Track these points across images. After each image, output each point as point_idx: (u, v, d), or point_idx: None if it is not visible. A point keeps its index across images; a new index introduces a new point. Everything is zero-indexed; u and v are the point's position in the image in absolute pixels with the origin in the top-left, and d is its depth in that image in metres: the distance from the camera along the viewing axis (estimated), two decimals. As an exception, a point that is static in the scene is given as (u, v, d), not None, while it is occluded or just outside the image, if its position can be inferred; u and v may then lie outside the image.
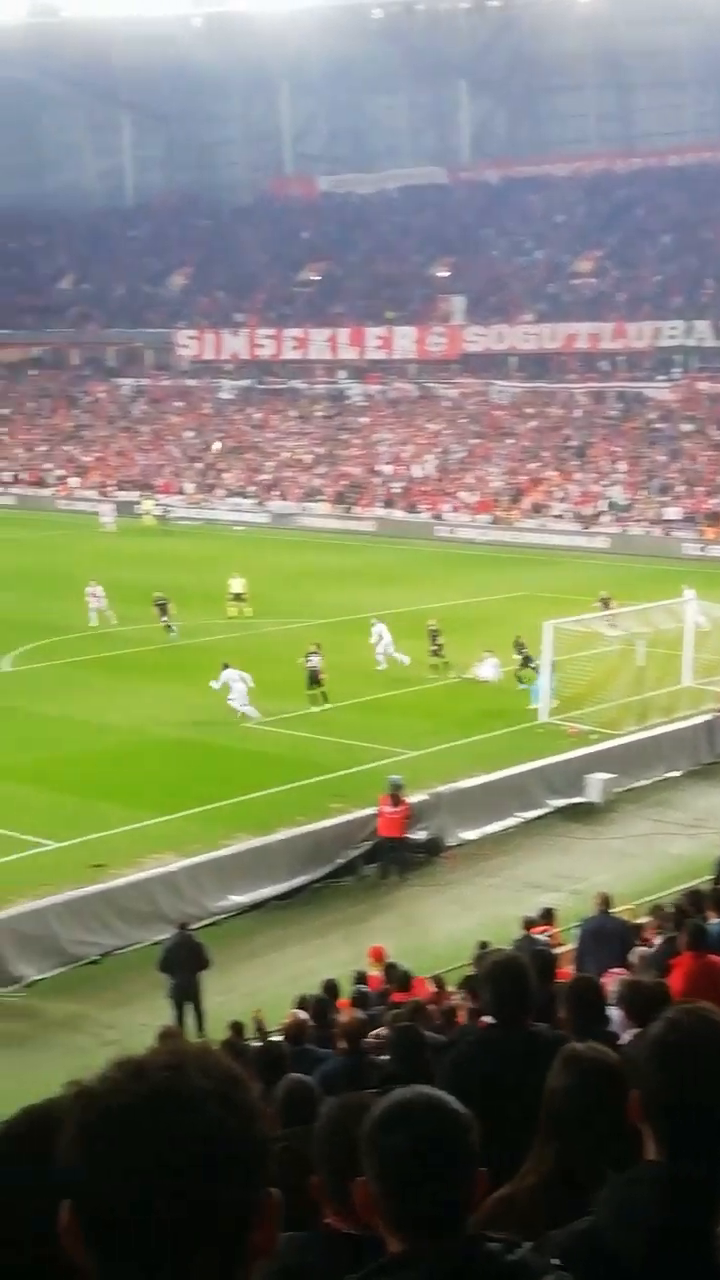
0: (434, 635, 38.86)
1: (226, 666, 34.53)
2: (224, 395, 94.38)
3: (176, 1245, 1.71)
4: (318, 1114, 4.53)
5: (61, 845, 25.59)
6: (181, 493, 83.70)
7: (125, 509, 78.29)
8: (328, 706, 34.93)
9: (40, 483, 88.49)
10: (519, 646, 37.75)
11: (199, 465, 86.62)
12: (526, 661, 37.10)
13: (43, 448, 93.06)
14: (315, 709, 34.84)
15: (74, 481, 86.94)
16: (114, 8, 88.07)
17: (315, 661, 35.39)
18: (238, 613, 46.55)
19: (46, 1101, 2.22)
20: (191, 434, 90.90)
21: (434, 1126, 2.54)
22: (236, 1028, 14.35)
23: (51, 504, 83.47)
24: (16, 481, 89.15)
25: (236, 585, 47.13)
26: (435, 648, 38.71)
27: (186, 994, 18.91)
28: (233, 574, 47.94)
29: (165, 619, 43.31)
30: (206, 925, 21.94)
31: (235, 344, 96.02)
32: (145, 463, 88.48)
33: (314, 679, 35.19)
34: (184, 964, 18.95)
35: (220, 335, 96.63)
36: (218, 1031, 15.82)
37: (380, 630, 39.65)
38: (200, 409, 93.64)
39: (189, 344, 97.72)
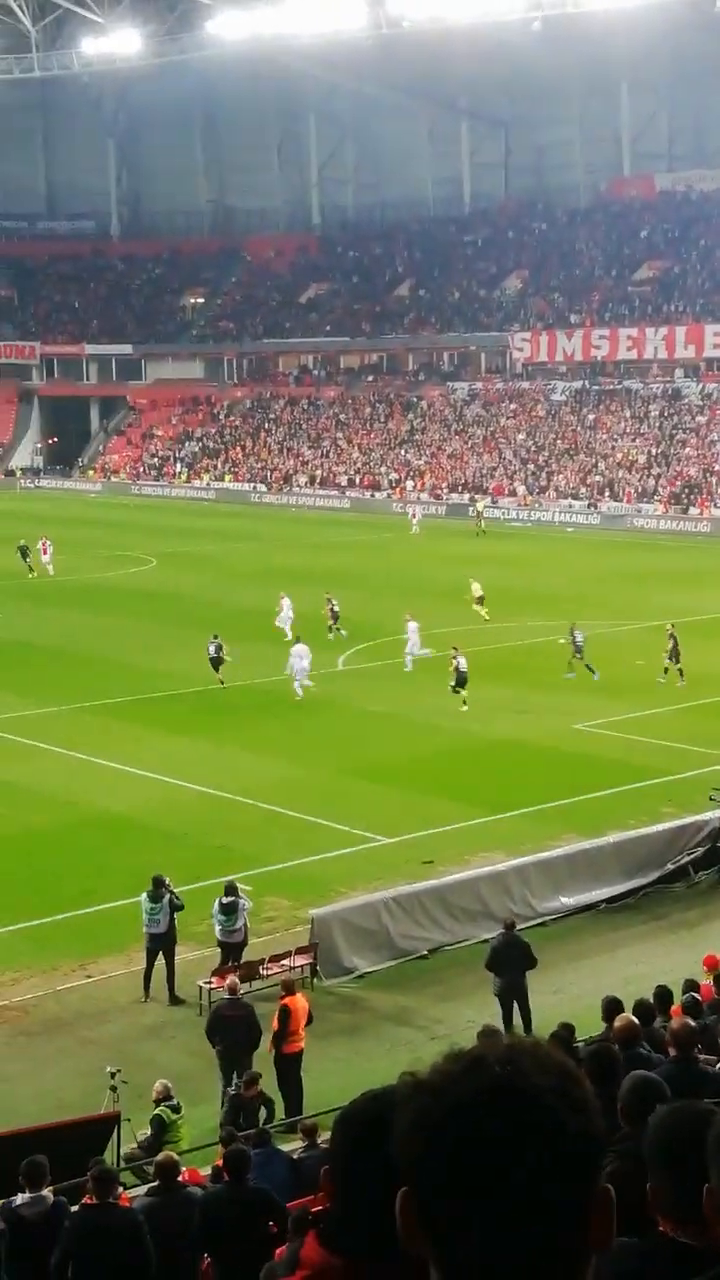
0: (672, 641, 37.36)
1: (298, 640, 37.45)
2: (557, 397, 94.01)
3: (513, 1239, 1.70)
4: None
5: (393, 841, 25.94)
6: (513, 495, 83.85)
7: (457, 511, 79.14)
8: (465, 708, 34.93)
9: (375, 486, 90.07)
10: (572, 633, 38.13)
11: (531, 467, 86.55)
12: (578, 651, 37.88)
13: (378, 451, 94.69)
14: (465, 708, 34.92)
15: (408, 485, 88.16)
16: (455, 15, 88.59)
17: (462, 662, 35.34)
18: (488, 616, 46.27)
19: (387, 1088, 2.23)
20: (524, 436, 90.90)
21: None
22: (567, 1028, 14.21)
23: (386, 507, 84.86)
24: (352, 485, 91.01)
25: (476, 589, 46.84)
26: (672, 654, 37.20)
27: (513, 993, 18.85)
28: (472, 578, 47.65)
29: (334, 623, 43.54)
30: (534, 925, 21.85)
31: (569, 345, 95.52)
32: (477, 465, 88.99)
33: (461, 680, 35.08)
34: (511, 963, 18.90)
35: (555, 337, 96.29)
36: (545, 1031, 15.71)
37: (413, 629, 39.62)
38: (533, 411, 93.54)
39: (523, 346, 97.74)
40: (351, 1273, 2.30)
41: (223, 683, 37.48)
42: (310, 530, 75.35)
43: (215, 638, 38.12)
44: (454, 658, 35.61)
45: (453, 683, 35.25)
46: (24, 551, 57.62)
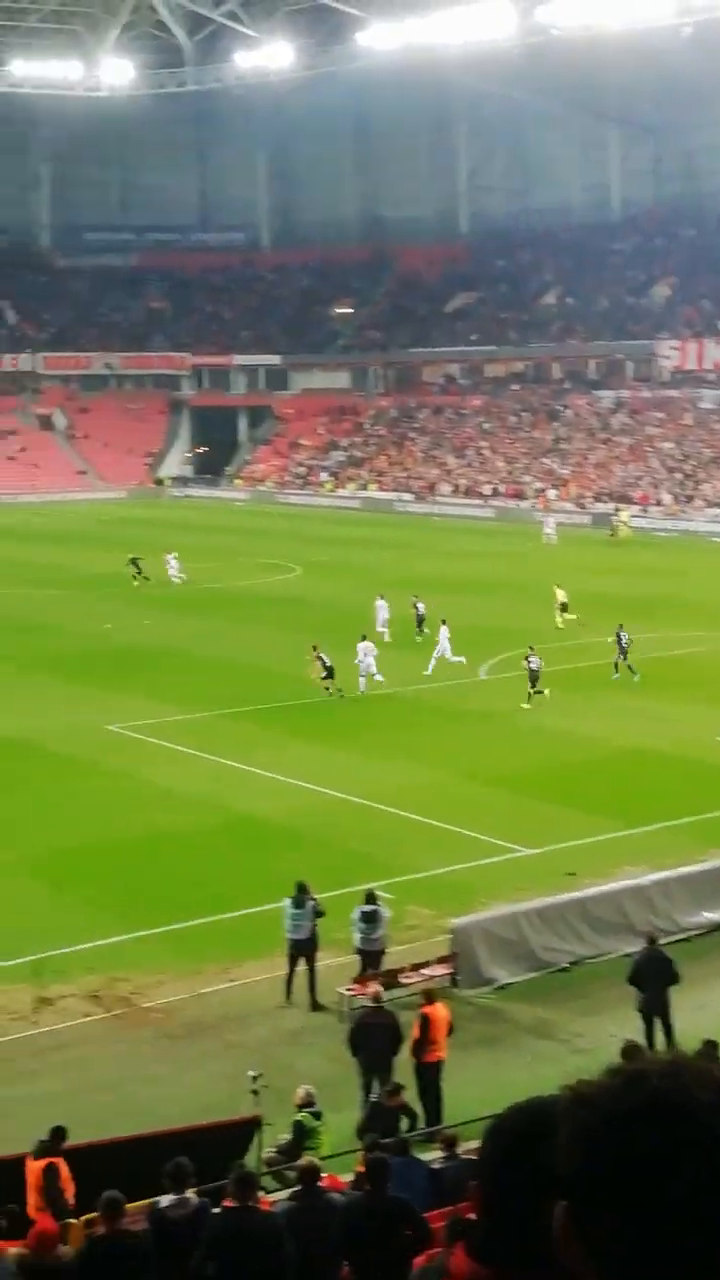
0: None
1: (364, 639, 38.87)
2: (705, 405, 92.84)
3: (669, 1253, 1.67)
4: None
5: (535, 852, 25.83)
6: (659, 504, 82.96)
7: (602, 520, 78.58)
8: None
9: (519, 495, 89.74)
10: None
11: (678, 476, 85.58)
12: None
13: (522, 460, 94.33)
14: (526, 706, 36.23)
15: (552, 494, 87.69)
16: (604, 22, 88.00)
17: (535, 663, 36.41)
18: (564, 624, 45.88)
19: (537, 1100, 2.21)
20: (671, 445, 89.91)
21: None
22: (710, 1044, 14.04)
23: (530, 516, 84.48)
24: (496, 494, 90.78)
25: (561, 595, 46.48)
26: None
27: (655, 1009, 18.65)
28: (557, 585, 47.65)
29: (419, 625, 44.53)
30: (678, 940, 21.58)
31: (718, 353, 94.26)
32: (623, 474, 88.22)
33: (534, 679, 36.23)
34: (653, 978, 18.70)
35: (703, 345, 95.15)
36: (688, 1048, 15.50)
37: (444, 634, 40.21)
38: (680, 420, 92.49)
39: (671, 354, 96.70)
40: (499, 1283, 2.32)
41: (342, 692, 37.52)
42: (449, 538, 75.37)
43: (315, 647, 38.18)
44: (528, 658, 36.56)
45: (530, 686, 36.32)
46: (136, 563, 57.90)
